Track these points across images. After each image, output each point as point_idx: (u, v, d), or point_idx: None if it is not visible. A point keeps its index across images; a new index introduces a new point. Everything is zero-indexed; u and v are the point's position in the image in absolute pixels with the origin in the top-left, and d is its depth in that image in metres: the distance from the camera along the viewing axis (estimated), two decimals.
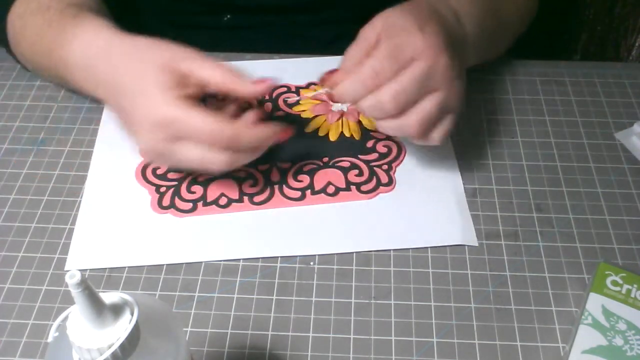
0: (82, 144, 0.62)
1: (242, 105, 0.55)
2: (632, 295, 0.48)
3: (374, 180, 0.58)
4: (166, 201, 0.56)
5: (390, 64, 0.49)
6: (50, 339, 0.33)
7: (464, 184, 0.58)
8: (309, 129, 0.62)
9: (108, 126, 0.63)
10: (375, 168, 0.59)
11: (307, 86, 0.67)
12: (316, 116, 0.64)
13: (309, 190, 0.57)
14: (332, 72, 0.53)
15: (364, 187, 0.57)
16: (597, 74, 0.69)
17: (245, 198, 0.56)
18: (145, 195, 0.57)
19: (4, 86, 0.68)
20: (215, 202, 0.56)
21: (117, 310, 0.31)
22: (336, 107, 0.64)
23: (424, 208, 0.56)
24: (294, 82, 0.67)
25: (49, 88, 0.67)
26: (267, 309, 0.50)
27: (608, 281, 0.49)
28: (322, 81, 0.54)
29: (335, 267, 0.52)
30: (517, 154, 0.61)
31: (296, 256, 0.53)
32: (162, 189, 0.57)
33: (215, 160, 0.50)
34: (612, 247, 0.54)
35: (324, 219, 0.55)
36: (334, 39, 0.73)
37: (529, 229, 0.55)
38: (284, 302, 0.50)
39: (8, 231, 0.55)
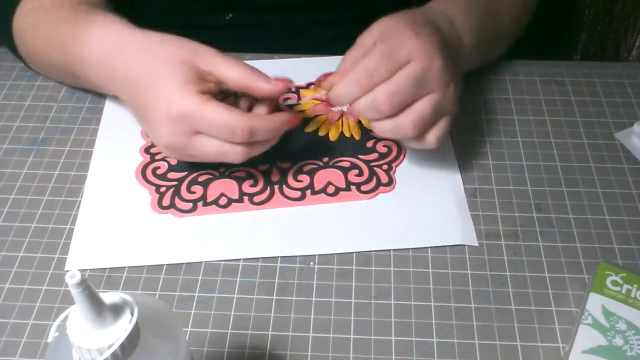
0: (82, 144, 0.62)
1: (254, 98, 0.55)
2: (632, 295, 0.48)
3: (374, 180, 0.58)
4: (166, 201, 0.56)
5: (385, 65, 0.50)
6: (50, 339, 0.33)
7: (464, 184, 0.58)
8: (309, 129, 0.63)
9: (108, 126, 0.63)
10: (375, 168, 0.59)
11: (307, 86, 0.67)
12: (316, 116, 0.64)
13: (309, 190, 0.57)
14: (328, 74, 0.54)
15: (364, 187, 0.57)
16: (597, 74, 0.69)
17: (245, 198, 0.56)
18: (145, 195, 0.57)
19: (4, 86, 0.68)
20: (215, 202, 0.56)
21: (117, 310, 0.31)
22: (336, 107, 0.64)
23: (424, 208, 0.56)
24: (294, 82, 0.67)
25: (49, 88, 0.67)
26: (267, 309, 0.50)
27: (608, 281, 0.49)
28: (319, 83, 0.54)
29: (335, 267, 0.52)
30: (517, 154, 0.61)
31: (296, 256, 0.53)
32: (162, 189, 0.57)
33: (231, 152, 0.51)
34: (612, 247, 0.54)
35: (324, 219, 0.55)
36: (334, 38, 0.73)
37: (529, 229, 0.55)
38: (284, 302, 0.50)
39: (8, 231, 0.55)
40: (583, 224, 0.55)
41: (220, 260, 0.53)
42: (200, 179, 0.58)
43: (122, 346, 0.31)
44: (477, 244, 0.54)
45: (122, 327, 0.31)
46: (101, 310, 0.30)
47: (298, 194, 0.57)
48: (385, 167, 0.59)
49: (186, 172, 0.58)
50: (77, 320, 0.31)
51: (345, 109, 0.64)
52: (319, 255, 0.53)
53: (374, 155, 0.60)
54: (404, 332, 0.48)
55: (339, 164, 0.59)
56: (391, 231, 0.54)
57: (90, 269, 0.52)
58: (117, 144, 0.61)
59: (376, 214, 0.55)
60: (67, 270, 0.44)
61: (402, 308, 0.50)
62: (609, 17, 1.00)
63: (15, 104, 0.66)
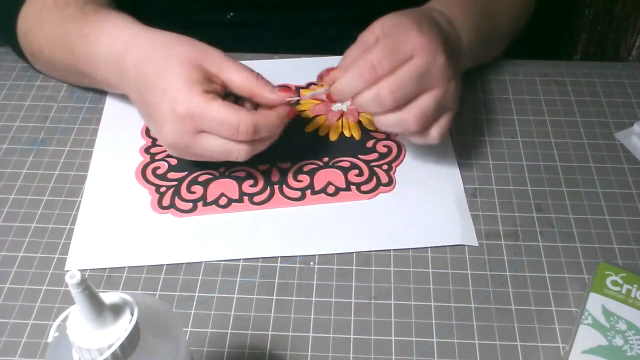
0: (82, 144, 0.62)
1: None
2: (632, 295, 0.48)
3: (374, 180, 0.58)
4: (166, 201, 0.56)
5: (389, 59, 0.50)
6: (50, 339, 0.33)
7: (464, 184, 0.58)
8: (309, 129, 0.62)
9: (108, 126, 0.63)
10: (375, 168, 0.59)
11: (307, 86, 0.67)
12: (316, 116, 0.64)
13: (309, 190, 0.57)
14: (331, 69, 0.54)
15: (364, 187, 0.57)
16: (597, 74, 0.69)
17: (245, 198, 0.56)
18: (145, 195, 0.57)
19: (4, 86, 0.68)
20: (215, 202, 0.56)
21: (117, 310, 0.31)
22: (336, 107, 0.64)
23: (424, 208, 0.56)
24: (294, 82, 0.67)
25: (49, 88, 0.67)
26: (267, 309, 0.50)
27: (608, 281, 0.49)
28: (321, 78, 0.54)
29: (335, 267, 0.52)
30: (517, 154, 0.61)
31: (296, 256, 0.53)
32: (162, 189, 0.57)
33: (235, 150, 0.51)
34: (612, 247, 0.54)
35: (324, 219, 0.55)
36: (335, 37, 0.73)
37: (529, 229, 0.55)
38: (284, 302, 0.50)
39: (8, 231, 0.55)
40: (583, 224, 0.55)
41: (220, 260, 0.53)
42: (200, 179, 0.58)
43: (122, 346, 0.31)
44: (477, 244, 0.54)
45: (122, 327, 0.31)
46: (101, 310, 0.30)
47: (298, 194, 0.57)
48: (385, 167, 0.59)
49: (186, 172, 0.58)
50: (77, 320, 0.31)
51: (345, 108, 0.64)
52: (319, 255, 0.53)
53: (374, 155, 0.60)
54: (404, 332, 0.48)
55: (339, 164, 0.59)
56: (391, 231, 0.54)
57: (90, 269, 0.52)
58: (117, 144, 0.61)
59: (376, 214, 0.55)
60: (67, 270, 0.44)
61: (402, 308, 0.50)
62: (609, 17, 1.00)
63: (15, 104, 0.66)
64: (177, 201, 0.56)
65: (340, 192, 0.57)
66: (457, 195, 0.57)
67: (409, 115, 0.52)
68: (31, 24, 0.62)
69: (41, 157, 0.60)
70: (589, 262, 0.53)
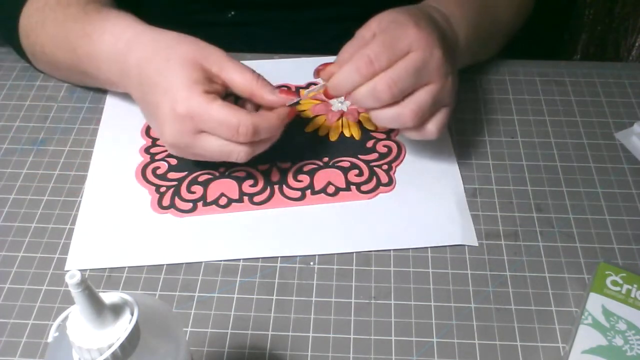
0: (82, 144, 0.62)
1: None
2: (632, 295, 0.48)
3: (374, 180, 0.58)
4: (166, 201, 0.56)
5: (386, 54, 0.51)
6: (50, 339, 0.33)
7: (464, 184, 0.58)
8: (309, 129, 0.62)
9: (108, 126, 0.63)
10: (375, 168, 0.59)
11: (307, 86, 0.67)
12: (316, 116, 0.64)
13: (309, 190, 0.57)
14: (327, 64, 0.54)
15: (364, 187, 0.57)
16: (597, 74, 0.69)
17: (245, 198, 0.56)
18: (145, 195, 0.57)
19: (4, 86, 0.68)
20: (215, 202, 0.56)
21: (117, 310, 0.31)
22: (336, 107, 0.64)
23: (424, 208, 0.56)
24: (294, 82, 0.67)
25: (49, 88, 0.67)
26: (267, 309, 0.50)
27: (608, 281, 0.49)
28: (317, 73, 0.54)
29: (335, 267, 0.52)
30: (517, 154, 0.61)
31: (296, 256, 0.53)
32: (162, 189, 0.57)
33: (235, 151, 0.51)
34: (612, 247, 0.54)
35: (324, 219, 0.55)
36: (336, 36, 0.73)
37: (529, 229, 0.55)
38: (284, 302, 0.50)
39: (8, 231, 0.55)
40: (583, 224, 0.55)
41: (220, 260, 0.53)
42: (200, 179, 0.58)
43: (122, 346, 0.31)
44: (477, 244, 0.54)
45: (122, 327, 0.31)
46: (101, 310, 0.30)
47: (298, 194, 0.57)
48: (385, 167, 0.59)
49: (186, 172, 0.58)
50: (77, 320, 0.31)
51: (345, 108, 0.64)
52: (319, 255, 0.53)
53: (374, 155, 0.60)
54: (404, 332, 0.48)
55: (339, 164, 0.59)
56: (391, 231, 0.54)
57: (90, 269, 0.52)
58: (117, 144, 0.61)
59: (376, 214, 0.55)
60: (67, 270, 0.44)
61: (402, 308, 0.50)
62: (609, 17, 1.00)
63: (15, 104, 0.66)
64: (177, 201, 0.56)
65: (340, 192, 0.57)
66: (457, 195, 0.57)
67: (406, 110, 0.52)
68: (33, 23, 0.62)
69: (41, 157, 0.60)
70: (589, 262, 0.53)
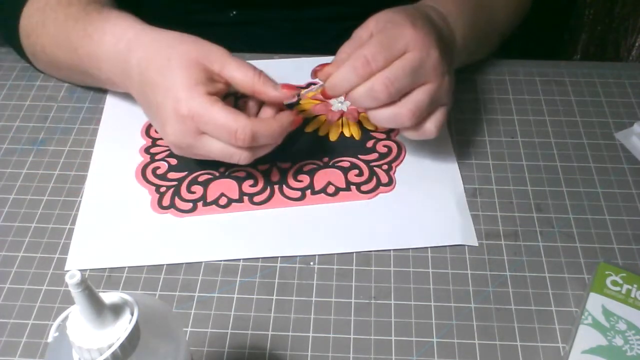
0: (82, 144, 0.62)
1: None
2: (632, 295, 0.48)
3: (374, 180, 0.58)
4: (166, 201, 0.56)
5: (383, 54, 0.51)
6: (50, 339, 0.33)
7: (464, 184, 0.58)
8: (309, 129, 0.63)
9: (108, 126, 0.63)
10: (375, 168, 0.59)
11: (307, 86, 0.66)
12: (316, 116, 0.64)
13: (309, 190, 0.57)
14: (324, 65, 0.54)
15: (364, 187, 0.57)
16: (597, 74, 0.69)
17: (245, 198, 0.56)
18: (145, 195, 0.57)
19: (4, 86, 0.68)
20: (215, 202, 0.56)
21: (117, 310, 0.31)
22: (336, 107, 0.64)
23: (424, 208, 0.56)
24: (294, 82, 0.67)
25: (49, 88, 0.67)
26: (267, 309, 0.50)
27: (608, 281, 0.49)
28: (315, 73, 0.55)
29: (335, 267, 0.52)
30: (517, 154, 0.61)
31: (296, 256, 0.53)
32: (162, 189, 0.57)
33: (236, 154, 0.51)
34: (612, 247, 0.54)
35: (324, 219, 0.55)
36: (336, 36, 0.73)
37: (529, 229, 0.55)
38: (284, 302, 0.50)
39: (8, 231, 0.55)
40: (583, 224, 0.55)
41: (220, 260, 0.53)
42: (200, 179, 0.58)
43: (122, 346, 0.31)
44: (477, 244, 0.54)
45: (122, 327, 0.31)
46: (101, 310, 0.30)
47: (298, 194, 0.57)
48: (385, 167, 0.59)
49: (186, 172, 0.58)
50: (77, 320, 0.31)
51: (345, 108, 0.64)
52: (319, 255, 0.53)
53: (374, 155, 0.60)
54: (404, 332, 0.48)
55: (339, 164, 0.59)
56: (391, 231, 0.54)
57: (90, 269, 0.52)
58: (117, 144, 0.61)
59: (376, 214, 0.55)
60: (67, 270, 0.44)
61: (402, 308, 0.50)
62: (609, 17, 1.00)
63: (15, 104, 0.66)
64: (177, 201, 0.56)
65: (340, 192, 0.57)
66: (457, 195, 0.57)
67: (403, 110, 0.52)
68: (34, 23, 0.62)
69: (41, 157, 0.60)
70: (589, 262, 0.53)
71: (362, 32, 0.54)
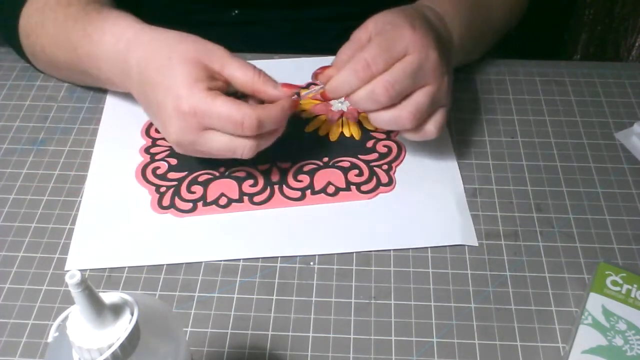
0: (82, 144, 0.62)
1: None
2: (632, 295, 0.48)
3: (374, 180, 0.58)
4: (166, 201, 0.56)
5: (383, 57, 0.51)
6: (50, 339, 0.33)
7: (464, 184, 0.58)
8: (309, 129, 0.63)
9: (108, 126, 0.63)
10: (375, 168, 0.59)
11: (307, 86, 0.67)
12: (316, 116, 0.64)
13: (309, 190, 0.57)
14: (325, 67, 0.54)
15: (364, 187, 0.57)
16: (597, 74, 0.69)
17: (245, 198, 0.56)
18: (145, 195, 0.57)
19: (4, 86, 0.68)
20: (215, 202, 0.56)
21: (117, 310, 0.31)
22: (336, 107, 0.64)
23: (424, 208, 0.56)
24: (294, 82, 0.67)
25: (49, 88, 0.67)
26: (267, 309, 0.50)
27: (608, 281, 0.49)
28: (316, 76, 0.55)
29: (335, 267, 0.52)
30: (517, 154, 0.61)
31: (296, 256, 0.53)
32: (162, 189, 0.57)
33: (240, 146, 0.51)
34: (612, 247, 0.54)
35: (324, 219, 0.55)
36: (336, 36, 0.74)
37: (529, 229, 0.55)
38: (284, 302, 0.50)
39: (8, 231, 0.55)
40: (583, 224, 0.55)
41: (220, 260, 0.53)
42: (200, 179, 0.58)
43: (122, 346, 0.31)
44: (477, 244, 0.54)
45: (122, 327, 0.31)
46: (101, 310, 0.30)
47: (298, 194, 0.57)
48: (385, 167, 0.59)
49: (186, 172, 0.58)
50: (77, 320, 0.31)
51: (345, 108, 0.64)
52: (319, 255, 0.53)
53: (374, 155, 0.60)
54: (404, 332, 0.48)
55: (339, 164, 0.59)
56: (391, 231, 0.54)
57: (90, 269, 0.52)
58: (117, 144, 0.61)
59: (376, 214, 0.55)
60: (67, 270, 0.44)
61: (402, 308, 0.50)
62: (609, 17, 1.00)
63: (15, 104, 0.66)
64: (177, 201, 0.56)
65: (340, 192, 0.57)
66: (457, 195, 0.57)
67: (404, 112, 0.52)
68: (33, 23, 0.62)
69: (41, 157, 0.60)
70: (589, 262, 0.53)
71: (361, 34, 0.54)
